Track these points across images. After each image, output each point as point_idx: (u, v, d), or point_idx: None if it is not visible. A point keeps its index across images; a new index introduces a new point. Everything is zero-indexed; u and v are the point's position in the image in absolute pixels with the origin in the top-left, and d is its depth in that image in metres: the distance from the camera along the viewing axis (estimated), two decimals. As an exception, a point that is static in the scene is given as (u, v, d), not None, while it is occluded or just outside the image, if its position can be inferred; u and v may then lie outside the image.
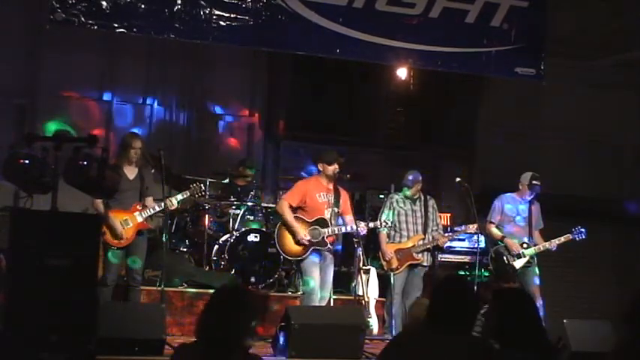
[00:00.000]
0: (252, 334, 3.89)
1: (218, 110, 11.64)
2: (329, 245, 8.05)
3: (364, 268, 8.33)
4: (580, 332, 7.65)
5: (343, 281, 9.40)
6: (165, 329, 7.10)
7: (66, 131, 9.65)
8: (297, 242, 7.94)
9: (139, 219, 7.78)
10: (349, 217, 8.12)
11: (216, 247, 9.34)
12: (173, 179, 9.20)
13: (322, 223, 7.98)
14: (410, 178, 8.66)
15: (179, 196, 8.12)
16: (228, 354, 3.81)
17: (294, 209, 8.02)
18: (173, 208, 8.08)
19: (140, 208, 7.81)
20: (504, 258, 8.67)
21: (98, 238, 5.92)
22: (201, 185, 8.37)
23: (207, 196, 9.47)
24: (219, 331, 3.81)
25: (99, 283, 7.63)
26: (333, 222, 8.03)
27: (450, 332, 3.90)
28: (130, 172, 7.92)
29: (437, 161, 12.13)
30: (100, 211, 7.72)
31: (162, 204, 7.89)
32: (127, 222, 7.75)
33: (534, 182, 8.77)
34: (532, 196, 8.84)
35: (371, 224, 8.32)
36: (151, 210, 7.85)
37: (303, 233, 7.89)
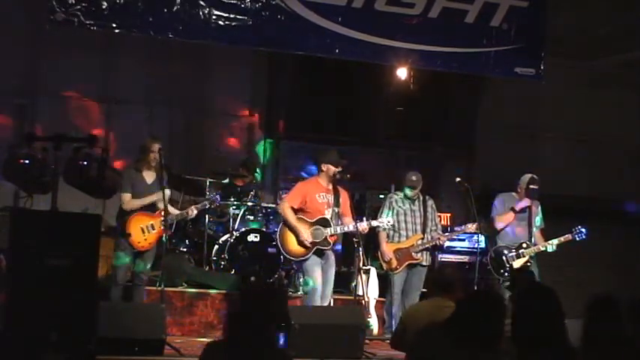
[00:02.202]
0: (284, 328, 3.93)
1: (218, 110, 11.63)
2: (331, 245, 8.06)
3: (364, 268, 8.33)
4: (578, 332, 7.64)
5: (343, 281, 9.39)
6: (165, 329, 7.10)
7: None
8: (300, 243, 7.94)
9: (163, 225, 7.80)
10: (348, 219, 8.12)
11: (216, 247, 9.34)
12: (173, 179, 9.20)
13: (324, 222, 7.99)
14: (413, 178, 8.63)
15: (199, 206, 8.30)
16: (258, 353, 3.82)
17: (295, 210, 8.03)
18: (192, 216, 8.31)
19: (163, 214, 7.81)
20: (504, 258, 8.67)
21: (98, 238, 5.91)
22: (218, 197, 8.51)
23: (207, 197, 9.49)
24: (250, 330, 3.82)
25: (110, 281, 7.73)
26: (334, 222, 8.03)
27: (474, 347, 3.86)
28: (149, 177, 7.93)
29: (437, 161, 12.13)
30: (133, 206, 7.73)
31: (182, 212, 8.12)
32: (153, 227, 7.78)
33: (531, 187, 8.76)
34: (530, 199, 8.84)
35: (373, 222, 8.31)
36: (173, 217, 7.88)
37: (307, 234, 7.89)
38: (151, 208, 7.85)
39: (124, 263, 7.77)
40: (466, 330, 3.94)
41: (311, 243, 7.90)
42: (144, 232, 7.77)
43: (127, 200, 7.81)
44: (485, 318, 3.95)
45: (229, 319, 3.99)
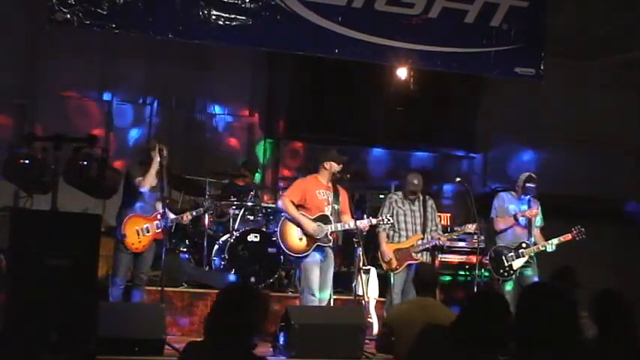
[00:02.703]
0: (259, 333, 3.90)
1: (218, 110, 11.64)
2: (332, 242, 8.06)
3: (364, 268, 8.32)
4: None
5: (343, 281, 9.40)
6: (165, 329, 7.10)
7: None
8: (302, 238, 7.92)
9: (158, 228, 7.80)
10: (347, 217, 8.12)
11: (216, 247, 9.34)
12: (173, 179, 9.21)
13: (324, 219, 7.98)
14: (415, 182, 8.62)
15: (194, 212, 8.31)
16: (235, 353, 3.80)
17: (295, 206, 8.01)
18: (184, 223, 8.40)
19: (160, 217, 7.80)
20: (503, 258, 8.67)
21: (98, 238, 5.91)
22: (215, 204, 8.46)
23: (207, 196, 9.49)
24: (228, 330, 3.80)
25: (109, 282, 7.73)
26: (334, 219, 8.03)
27: (477, 348, 3.80)
28: (152, 179, 7.90)
29: (437, 161, 12.14)
30: (150, 183, 7.72)
31: (177, 217, 8.11)
32: (148, 230, 7.76)
33: (528, 185, 8.74)
34: (527, 198, 8.83)
35: (373, 220, 8.31)
36: (169, 221, 7.87)
37: (312, 226, 7.88)
38: (147, 210, 7.84)
39: (123, 264, 7.77)
40: (466, 331, 3.92)
41: (313, 238, 7.89)
42: (138, 234, 7.77)
43: (141, 180, 7.77)
44: (485, 318, 3.93)
45: (205, 321, 3.98)
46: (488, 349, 3.86)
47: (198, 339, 4.07)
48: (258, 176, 10.51)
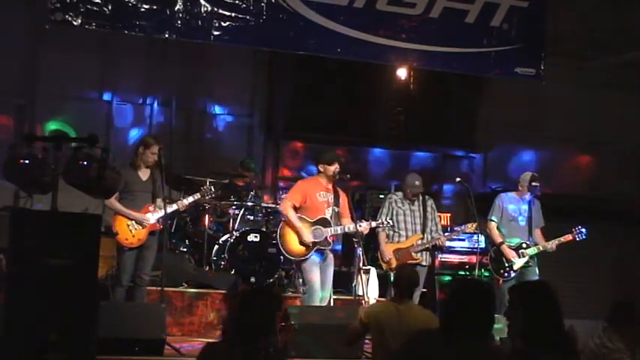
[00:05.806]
0: (273, 332, 3.98)
1: (218, 110, 11.63)
2: (331, 245, 8.06)
3: (364, 268, 8.32)
4: (580, 332, 7.64)
5: (343, 281, 9.39)
6: (165, 329, 7.10)
7: (64, 132, 9.68)
8: (301, 242, 7.93)
9: (152, 220, 7.78)
10: (347, 220, 8.12)
11: (216, 247, 9.33)
12: (173, 179, 9.20)
13: (324, 222, 7.98)
14: (417, 183, 8.61)
15: (190, 198, 8.16)
16: (254, 352, 3.84)
17: (295, 209, 8.02)
18: (182, 209, 8.24)
19: (152, 209, 7.80)
20: (504, 258, 8.66)
21: (98, 238, 5.90)
22: (211, 187, 8.38)
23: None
24: (256, 329, 3.87)
25: (114, 283, 7.71)
26: (333, 221, 8.03)
27: (465, 339, 3.77)
28: (143, 174, 7.90)
29: (437, 161, 12.14)
30: (116, 209, 7.72)
31: (174, 205, 7.98)
32: (140, 223, 7.75)
33: (534, 184, 8.74)
34: (531, 197, 8.83)
35: (373, 223, 8.31)
36: (163, 211, 7.84)
37: (309, 235, 7.89)
38: (138, 204, 7.83)
39: (127, 263, 7.75)
40: (454, 322, 3.87)
41: (312, 243, 7.90)
42: (130, 229, 7.74)
43: (111, 201, 7.80)
44: (470, 308, 3.83)
45: (225, 323, 4.04)
46: (478, 338, 3.82)
47: (213, 340, 4.14)
48: (254, 173, 10.45)
